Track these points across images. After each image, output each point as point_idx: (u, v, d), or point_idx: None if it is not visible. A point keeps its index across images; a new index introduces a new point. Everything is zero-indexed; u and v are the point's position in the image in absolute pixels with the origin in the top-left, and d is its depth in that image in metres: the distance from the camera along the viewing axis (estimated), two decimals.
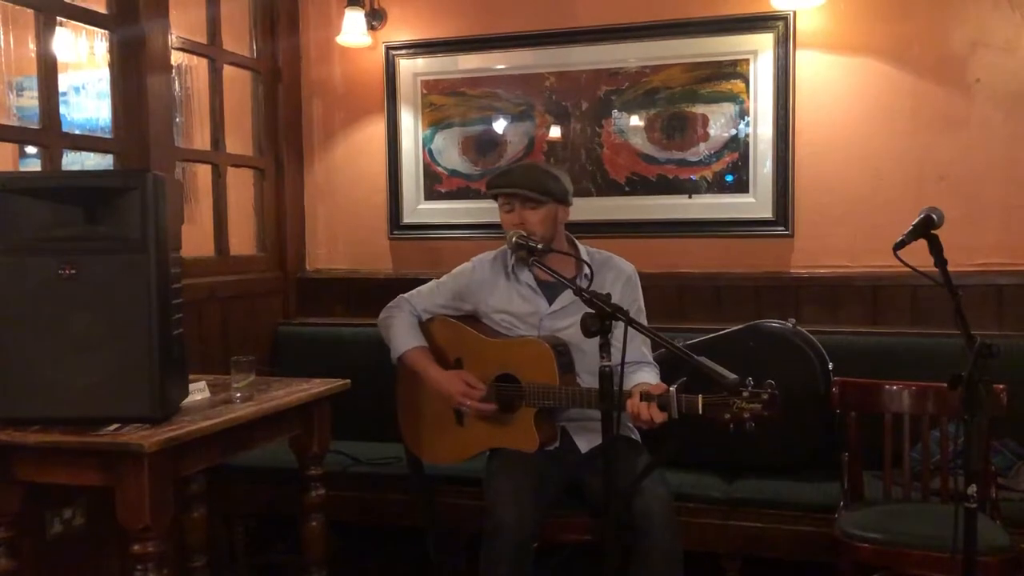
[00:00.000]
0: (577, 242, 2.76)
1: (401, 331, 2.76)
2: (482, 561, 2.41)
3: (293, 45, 3.99)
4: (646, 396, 2.28)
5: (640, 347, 2.60)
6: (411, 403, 2.82)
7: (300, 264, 4.06)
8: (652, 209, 3.58)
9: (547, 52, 3.68)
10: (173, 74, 3.34)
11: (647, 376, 2.54)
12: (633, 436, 2.68)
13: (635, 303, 2.68)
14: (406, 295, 2.85)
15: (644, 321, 2.65)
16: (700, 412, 2.21)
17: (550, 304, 2.66)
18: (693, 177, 3.54)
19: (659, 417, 2.26)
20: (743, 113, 3.46)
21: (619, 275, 2.69)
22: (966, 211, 3.18)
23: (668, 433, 2.33)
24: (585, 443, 2.64)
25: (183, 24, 3.43)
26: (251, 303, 3.75)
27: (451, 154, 3.84)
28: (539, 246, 2.50)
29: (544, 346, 2.56)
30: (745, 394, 2.12)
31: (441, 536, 3.00)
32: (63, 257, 2.08)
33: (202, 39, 3.56)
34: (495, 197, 2.67)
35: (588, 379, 2.55)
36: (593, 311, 2.01)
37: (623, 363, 1.96)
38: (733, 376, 1.99)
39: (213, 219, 3.65)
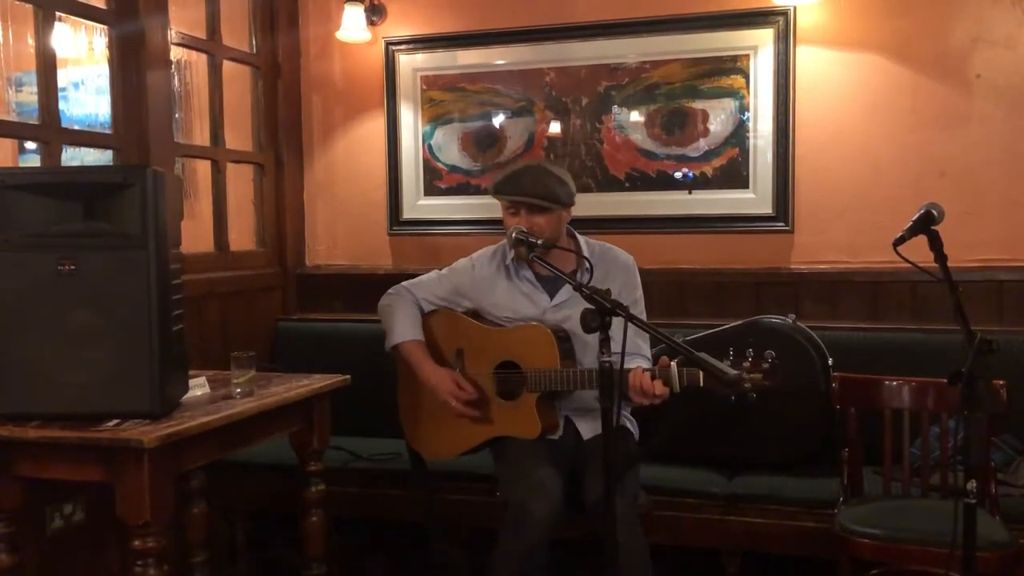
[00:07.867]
0: (577, 235, 2.74)
1: (401, 320, 2.74)
2: (500, 556, 2.35)
3: (292, 40, 3.98)
4: (648, 370, 2.30)
5: (636, 340, 2.55)
6: (411, 398, 2.81)
7: (300, 260, 4.06)
8: (652, 205, 3.58)
9: (546, 48, 3.67)
10: (172, 70, 3.34)
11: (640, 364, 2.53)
12: (630, 428, 2.68)
13: (633, 294, 2.67)
14: (407, 283, 2.83)
15: (642, 311, 2.66)
16: (701, 384, 2.24)
17: (551, 298, 2.66)
18: (693, 173, 3.54)
19: (660, 390, 2.28)
20: (743, 109, 3.45)
21: (617, 265, 2.68)
22: (966, 207, 3.18)
23: (663, 418, 2.32)
24: (588, 430, 2.63)
25: (182, 19, 3.43)
26: (251, 299, 3.75)
27: (451, 150, 3.84)
28: (539, 242, 2.49)
29: (544, 330, 2.56)
30: (746, 364, 2.14)
31: (443, 532, 2.99)
32: (63, 253, 2.08)
33: (201, 35, 3.56)
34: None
35: None
36: (593, 307, 2.00)
37: (623, 354, 1.96)
38: (734, 372, 1.99)
39: (213, 215, 3.65)
